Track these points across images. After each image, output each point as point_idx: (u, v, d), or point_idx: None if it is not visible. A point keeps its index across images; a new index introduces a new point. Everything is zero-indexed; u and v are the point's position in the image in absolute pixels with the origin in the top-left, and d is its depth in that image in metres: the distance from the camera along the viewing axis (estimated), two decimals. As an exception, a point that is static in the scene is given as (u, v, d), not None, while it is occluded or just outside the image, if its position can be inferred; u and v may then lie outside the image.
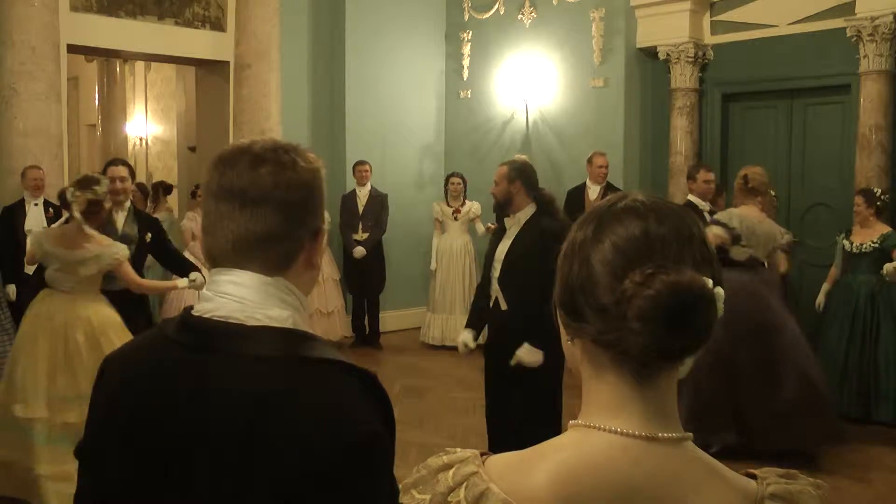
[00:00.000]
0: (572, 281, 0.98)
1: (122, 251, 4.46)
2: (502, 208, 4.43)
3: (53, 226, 5.09)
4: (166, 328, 1.24)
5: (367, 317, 8.57)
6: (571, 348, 1.03)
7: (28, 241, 5.17)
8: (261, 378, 1.10)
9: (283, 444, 1.05)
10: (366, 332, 8.60)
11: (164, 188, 9.76)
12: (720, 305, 0.93)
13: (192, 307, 1.22)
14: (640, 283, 0.90)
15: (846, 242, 6.17)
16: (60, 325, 4.30)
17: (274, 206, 1.18)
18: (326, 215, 6.21)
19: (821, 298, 6.33)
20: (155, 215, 9.41)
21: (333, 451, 1.04)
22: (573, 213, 5.73)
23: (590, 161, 7.60)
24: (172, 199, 10.22)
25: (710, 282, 0.92)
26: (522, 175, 4.39)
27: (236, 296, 1.18)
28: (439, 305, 8.50)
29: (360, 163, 8.49)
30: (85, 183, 4.44)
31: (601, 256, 0.96)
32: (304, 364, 1.13)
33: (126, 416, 1.18)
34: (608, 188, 7.45)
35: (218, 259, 1.22)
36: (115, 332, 4.33)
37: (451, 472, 0.99)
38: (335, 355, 1.16)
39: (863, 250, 6.04)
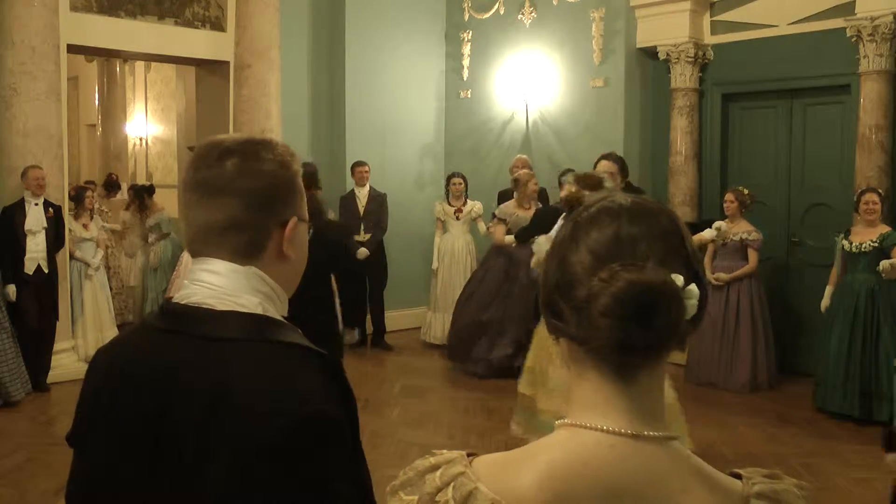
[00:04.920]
0: (551, 280, 1.01)
1: None
2: None
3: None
4: (148, 317, 1.31)
5: (369, 317, 8.57)
6: (560, 347, 1.04)
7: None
8: (222, 357, 1.15)
9: (238, 419, 1.09)
10: (366, 333, 8.60)
11: (147, 191, 9.77)
12: (692, 302, 0.94)
13: (172, 296, 1.29)
14: (604, 281, 0.93)
15: (845, 242, 6.16)
16: None
17: (235, 195, 1.23)
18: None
19: (826, 302, 6.32)
20: (150, 219, 9.45)
21: (284, 427, 1.08)
22: None
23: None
24: (167, 199, 10.22)
25: (678, 278, 0.93)
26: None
27: (210, 283, 1.23)
28: (440, 304, 8.50)
29: (359, 164, 8.49)
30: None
31: (576, 257, 0.99)
32: (265, 345, 1.17)
33: (108, 402, 1.24)
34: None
35: (193, 249, 1.28)
36: None
37: (438, 472, 1.00)
38: (298, 339, 1.20)
39: (862, 250, 6.03)
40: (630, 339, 0.92)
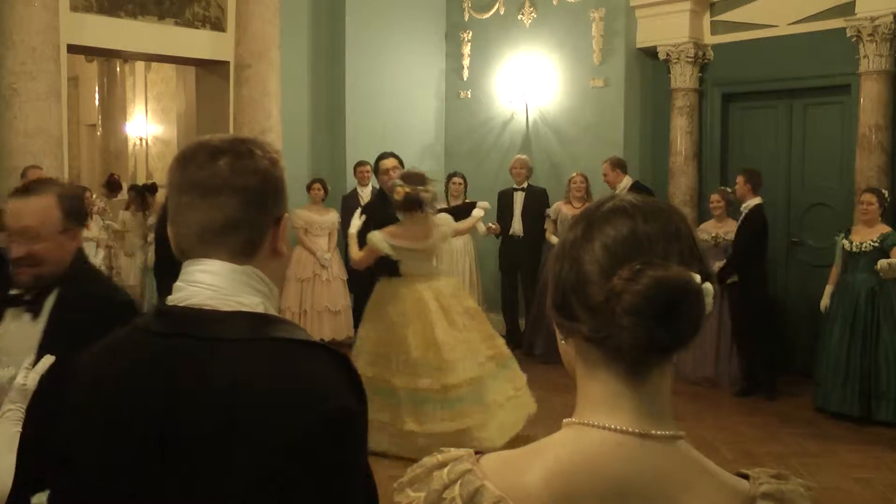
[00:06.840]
0: (564, 281, 1.00)
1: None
2: None
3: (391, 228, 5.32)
4: (140, 321, 1.26)
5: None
6: (565, 347, 1.04)
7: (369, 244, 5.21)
8: (233, 358, 1.13)
9: (257, 420, 1.08)
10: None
11: (148, 190, 9.79)
12: (709, 300, 0.95)
13: (165, 299, 1.26)
14: (628, 280, 0.92)
15: (846, 242, 6.16)
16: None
17: (232, 194, 1.22)
18: (336, 216, 6.51)
19: (825, 301, 6.31)
20: (150, 217, 9.45)
21: (306, 424, 1.08)
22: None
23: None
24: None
25: (697, 276, 0.94)
26: None
27: (208, 284, 1.21)
28: (439, 305, 8.49)
29: (362, 163, 8.48)
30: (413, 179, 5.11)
31: (591, 256, 0.98)
32: (275, 343, 1.16)
33: (102, 413, 1.19)
34: None
35: (186, 250, 1.25)
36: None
37: (445, 469, 1.00)
38: (304, 336, 1.20)
39: (863, 249, 6.03)
40: (653, 337, 0.92)
